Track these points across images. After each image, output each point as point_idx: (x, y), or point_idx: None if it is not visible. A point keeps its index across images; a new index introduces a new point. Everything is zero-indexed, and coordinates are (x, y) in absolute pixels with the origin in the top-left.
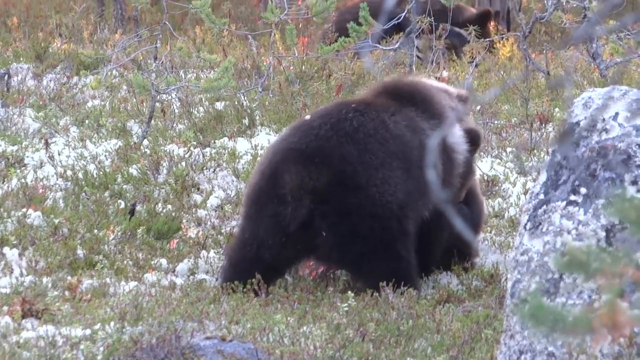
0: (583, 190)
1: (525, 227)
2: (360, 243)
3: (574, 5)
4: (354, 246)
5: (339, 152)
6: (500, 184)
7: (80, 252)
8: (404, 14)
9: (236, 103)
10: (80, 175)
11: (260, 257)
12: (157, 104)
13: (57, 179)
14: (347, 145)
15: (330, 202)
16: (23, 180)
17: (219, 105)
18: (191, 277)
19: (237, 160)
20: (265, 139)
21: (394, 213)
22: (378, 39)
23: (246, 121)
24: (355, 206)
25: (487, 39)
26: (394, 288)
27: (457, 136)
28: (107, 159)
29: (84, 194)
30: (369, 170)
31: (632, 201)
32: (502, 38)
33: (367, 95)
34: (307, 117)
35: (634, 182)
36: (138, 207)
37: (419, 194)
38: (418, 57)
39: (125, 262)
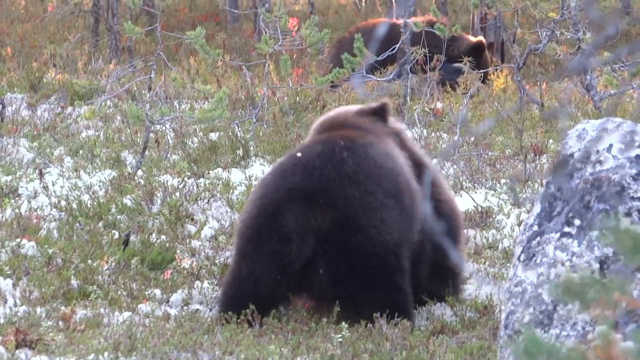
0: (577, 221)
1: (519, 259)
2: (356, 280)
3: (568, 37)
4: (350, 283)
5: (343, 194)
6: (494, 216)
7: (74, 282)
8: (398, 45)
9: (230, 134)
10: (74, 205)
11: (258, 293)
12: (151, 135)
13: (51, 209)
14: (349, 187)
15: (331, 242)
16: (17, 210)
17: (213, 136)
18: (185, 307)
19: (231, 191)
20: (260, 169)
21: (391, 250)
22: (372, 69)
23: (240, 152)
24: (354, 245)
25: (483, 70)
26: (389, 319)
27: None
28: (101, 189)
29: (78, 224)
30: (369, 213)
31: (628, 232)
32: (497, 69)
33: (323, 131)
34: (299, 153)
35: (627, 214)
36: (132, 238)
37: (409, 226)
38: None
39: (119, 292)
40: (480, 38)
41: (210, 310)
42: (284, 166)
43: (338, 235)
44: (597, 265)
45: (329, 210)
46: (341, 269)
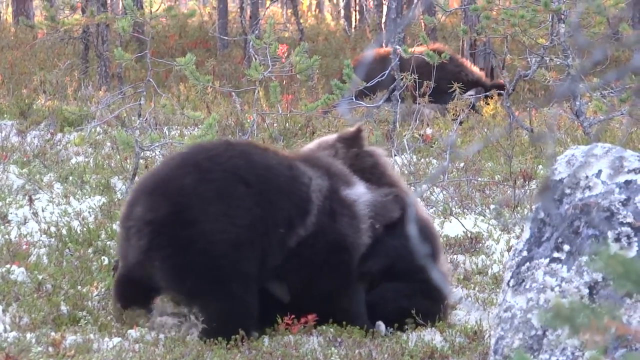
0: (566, 247)
1: (508, 284)
2: (189, 280)
3: (558, 63)
4: (184, 281)
5: (178, 184)
6: (483, 241)
7: (64, 308)
8: (387, 71)
9: None
10: (64, 231)
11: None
12: (141, 161)
13: (41, 235)
14: (187, 176)
15: (165, 234)
16: (7, 237)
17: None
18: (175, 333)
19: None
20: None
21: (227, 253)
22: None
23: None
24: (187, 241)
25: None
26: (219, 327)
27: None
28: (90, 216)
29: (67, 250)
30: (203, 203)
31: (617, 257)
32: (486, 96)
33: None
34: None
35: (617, 239)
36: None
37: (273, 221)
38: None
39: (108, 317)
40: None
41: (200, 337)
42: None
43: (172, 228)
44: (587, 291)
45: (165, 200)
46: (176, 265)
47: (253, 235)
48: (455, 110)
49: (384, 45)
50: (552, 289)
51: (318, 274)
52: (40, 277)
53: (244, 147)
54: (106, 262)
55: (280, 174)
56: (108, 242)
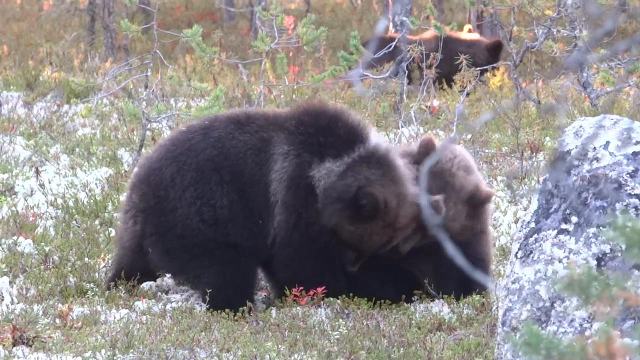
0: (574, 218)
1: (516, 256)
2: (177, 259)
3: (565, 34)
4: (172, 262)
5: (159, 176)
6: (491, 213)
7: (71, 279)
8: (394, 43)
9: None
10: (70, 203)
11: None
12: (148, 133)
13: (48, 207)
14: (167, 168)
15: (152, 222)
16: (14, 209)
17: None
18: (182, 304)
19: None
20: None
21: (203, 230)
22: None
23: None
24: (167, 227)
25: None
26: (218, 293)
27: None
28: (97, 187)
29: (74, 222)
30: (178, 192)
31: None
32: (493, 67)
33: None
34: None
35: (625, 211)
36: None
37: (249, 198)
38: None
39: (116, 289)
40: (497, 38)
41: (207, 307)
42: (160, 141)
43: (155, 217)
44: (595, 262)
45: (151, 191)
46: (163, 249)
47: (234, 213)
48: (462, 82)
49: (390, 17)
50: (560, 261)
51: None
52: (47, 248)
53: (220, 133)
54: (113, 233)
55: (248, 158)
56: (115, 214)
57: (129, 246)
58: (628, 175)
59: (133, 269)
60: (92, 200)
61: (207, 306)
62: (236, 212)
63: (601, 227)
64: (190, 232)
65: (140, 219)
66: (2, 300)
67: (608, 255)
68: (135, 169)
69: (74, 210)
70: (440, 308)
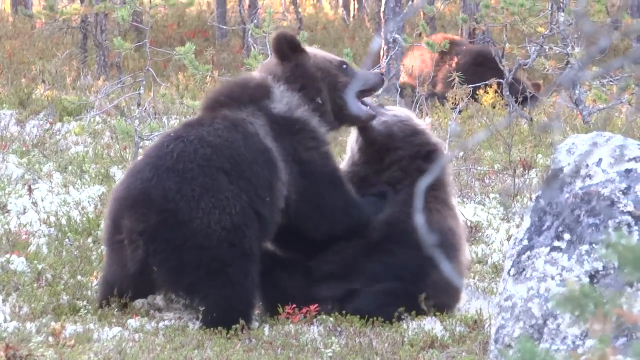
0: (567, 236)
1: (509, 273)
2: (189, 275)
3: (557, 51)
4: (183, 278)
5: (161, 190)
6: (483, 230)
7: (63, 297)
8: (387, 59)
9: None
10: (63, 221)
11: (120, 289)
12: (140, 150)
13: (41, 225)
14: (167, 181)
15: (159, 240)
16: (6, 226)
17: None
18: (175, 322)
19: None
20: None
21: (224, 239)
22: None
23: None
24: (180, 241)
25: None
26: (220, 314)
27: None
28: (90, 205)
29: (67, 240)
30: (190, 203)
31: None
32: (486, 85)
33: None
34: (140, 157)
35: (617, 228)
36: None
37: (259, 200)
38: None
39: (108, 307)
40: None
41: (201, 325)
42: (130, 168)
43: (165, 233)
44: (587, 279)
45: (151, 209)
46: (173, 266)
47: (247, 217)
48: (455, 99)
49: (382, 34)
50: (553, 278)
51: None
52: (39, 266)
53: (195, 133)
54: (105, 253)
55: (243, 147)
56: None
57: (132, 273)
58: (621, 193)
59: (129, 289)
60: (84, 218)
61: (201, 324)
62: (247, 212)
63: (594, 244)
64: (209, 243)
65: (141, 242)
66: None
67: (601, 272)
68: (116, 197)
69: (66, 228)
70: (433, 325)
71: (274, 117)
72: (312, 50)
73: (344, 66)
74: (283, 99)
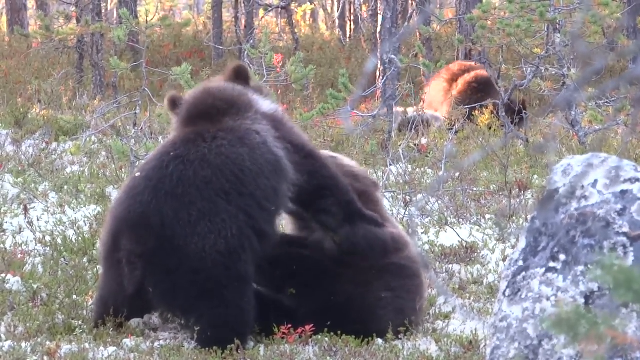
0: (562, 256)
1: (504, 294)
2: (184, 296)
3: (553, 72)
4: (178, 300)
5: (159, 216)
6: (479, 251)
7: (59, 317)
8: (383, 80)
9: None
10: (59, 240)
11: (116, 308)
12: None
13: (36, 245)
14: (165, 206)
15: (156, 264)
16: (2, 246)
17: None
18: (170, 342)
19: None
20: None
21: (219, 262)
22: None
23: None
24: (176, 265)
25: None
26: (215, 335)
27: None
28: (86, 225)
29: (62, 259)
30: (187, 229)
31: (618, 266)
32: (482, 106)
33: (182, 127)
34: (137, 173)
35: (612, 249)
36: None
37: (261, 212)
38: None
39: (103, 327)
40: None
41: (196, 345)
42: (129, 186)
43: (162, 258)
44: (583, 300)
45: (150, 233)
46: (168, 289)
47: (243, 238)
48: (451, 120)
49: (379, 55)
50: (548, 299)
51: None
52: (35, 286)
53: (196, 152)
54: (101, 271)
55: (248, 161)
56: None
57: (130, 293)
58: (616, 214)
59: (124, 308)
60: (80, 238)
61: (197, 344)
62: (245, 232)
63: (589, 265)
64: (204, 266)
65: (139, 264)
66: None
67: (596, 293)
68: (116, 216)
69: (62, 248)
70: (428, 346)
71: (269, 116)
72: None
73: None
74: (259, 100)
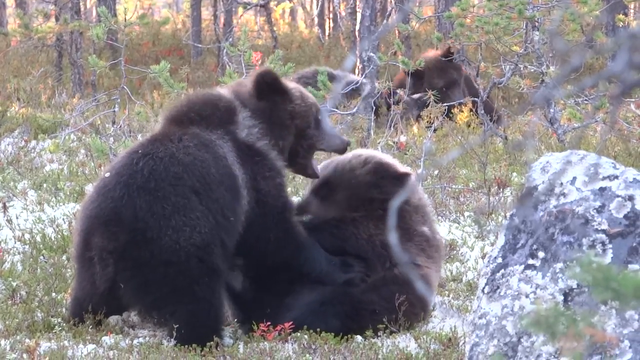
0: (541, 254)
1: (483, 291)
2: (154, 291)
3: (532, 70)
4: (148, 295)
5: (131, 210)
6: (458, 248)
7: (38, 315)
8: (361, 78)
9: None
10: (38, 238)
11: (92, 305)
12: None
13: (15, 243)
14: (138, 200)
15: (128, 258)
16: None
17: None
18: (149, 339)
19: None
20: None
21: (192, 254)
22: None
23: None
24: (149, 258)
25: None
26: (190, 331)
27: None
28: (65, 223)
29: (42, 257)
30: (160, 221)
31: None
32: (460, 103)
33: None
34: (107, 174)
35: (591, 246)
36: None
37: (227, 219)
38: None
39: (82, 324)
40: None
41: (175, 343)
42: (99, 185)
43: (133, 252)
44: (562, 297)
45: (122, 228)
46: (139, 283)
47: (214, 238)
48: (430, 117)
49: (357, 53)
50: (527, 296)
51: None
52: (14, 284)
53: (165, 150)
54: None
55: (213, 167)
56: None
57: (102, 291)
58: (595, 211)
59: (99, 306)
60: (59, 236)
61: (175, 342)
62: (214, 234)
63: (568, 263)
64: (176, 260)
65: (111, 260)
66: None
67: (575, 290)
68: (87, 215)
69: (41, 246)
70: (407, 343)
71: (239, 143)
72: (297, 93)
73: (320, 117)
74: (245, 128)
